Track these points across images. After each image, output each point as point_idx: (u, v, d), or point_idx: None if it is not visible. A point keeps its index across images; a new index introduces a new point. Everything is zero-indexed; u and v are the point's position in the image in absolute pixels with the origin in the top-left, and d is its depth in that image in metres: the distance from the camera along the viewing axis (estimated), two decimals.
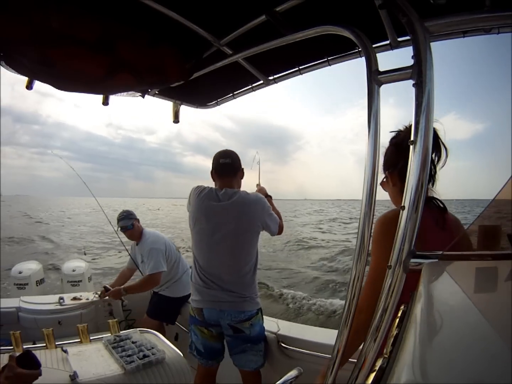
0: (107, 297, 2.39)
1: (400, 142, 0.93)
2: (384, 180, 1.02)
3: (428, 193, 0.94)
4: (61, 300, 2.31)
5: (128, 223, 2.40)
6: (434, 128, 0.87)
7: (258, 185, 1.94)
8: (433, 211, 0.92)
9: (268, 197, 1.78)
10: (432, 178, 0.93)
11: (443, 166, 0.92)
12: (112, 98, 1.53)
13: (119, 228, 2.43)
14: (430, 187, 0.94)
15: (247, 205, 1.58)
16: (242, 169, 1.69)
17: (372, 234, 0.79)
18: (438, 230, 0.89)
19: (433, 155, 0.89)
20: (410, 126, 0.94)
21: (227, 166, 1.62)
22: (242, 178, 1.71)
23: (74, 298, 2.39)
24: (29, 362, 0.97)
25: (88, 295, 2.43)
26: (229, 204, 1.56)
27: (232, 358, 1.63)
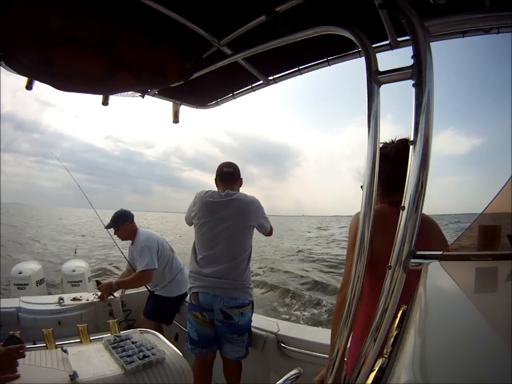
0: (108, 298, 2.39)
1: (387, 154, 1.03)
2: None
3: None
4: (61, 300, 2.30)
5: (113, 225, 2.44)
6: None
7: None
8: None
9: None
10: None
11: None
12: (112, 98, 1.53)
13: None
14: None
15: (245, 203, 1.80)
16: (241, 178, 1.92)
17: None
18: None
19: None
20: (397, 140, 1.06)
21: (229, 174, 1.87)
22: (241, 186, 1.92)
23: (74, 299, 2.37)
24: (15, 343, 1.11)
25: (88, 296, 2.41)
26: (230, 201, 1.78)
27: (219, 344, 1.77)
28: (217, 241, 1.75)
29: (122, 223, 2.45)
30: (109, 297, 2.40)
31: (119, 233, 2.49)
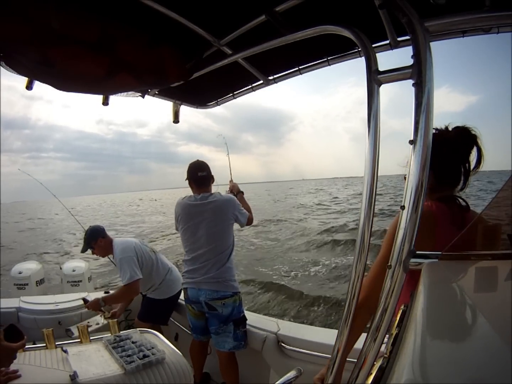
0: (116, 316, 2.26)
1: (446, 140, 0.93)
2: None
3: (452, 194, 0.97)
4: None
5: (88, 247, 2.32)
6: (475, 135, 0.92)
7: (231, 181, 2.29)
8: (452, 209, 0.93)
9: (240, 192, 2.16)
10: (464, 183, 0.96)
11: (476, 172, 0.95)
12: (112, 98, 1.53)
13: None
14: (457, 189, 0.97)
15: (221, 203, 1.94)
16: (213, 176, 2.06)
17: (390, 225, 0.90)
18: (452, 227, 0.90)
19: (472, 162, 0.93)
20: (455, 127, 0.94)
21: (204, 178, 1.99)
22: (213, 183, 2.06)
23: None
24: (15, 335, 1.09)
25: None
26: (207, 204, 1.93)
27: (211, 337, 1.93)
28: (200, 243, 1.91)
29: (95, 242, 2.31)
30: (116, 318, 2.24)
31: (97, 252, 2.36)
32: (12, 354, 1.05)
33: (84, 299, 2.32)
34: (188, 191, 2.08)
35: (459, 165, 0.94)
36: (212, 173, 2.06)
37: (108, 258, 2.50)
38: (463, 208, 0.95)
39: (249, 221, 2.06)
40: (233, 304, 1.85)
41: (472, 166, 0.94)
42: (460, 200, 0.96)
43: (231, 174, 2.33)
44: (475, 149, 0.92)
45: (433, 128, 0.98)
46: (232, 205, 1.95)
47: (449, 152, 0.92)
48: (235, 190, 2.16)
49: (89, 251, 2.36)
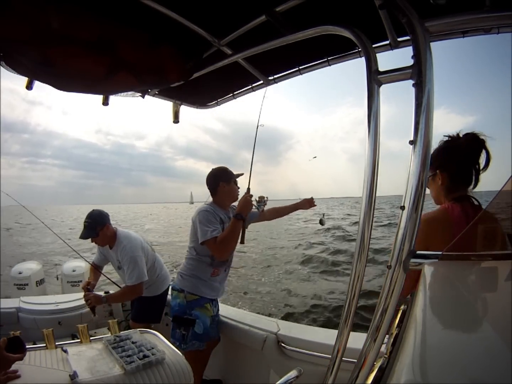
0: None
1: (458, 146, 1.03)
2: (430, 178, 1.11)
3: (466, 193, 1.06)
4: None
5: (93, 234, 2.09)
6: (483, 140, 1.01)
7: (245, 193, 1.92)
8: (466, 210, 1.01)
9: (238, 216, 1.76)
10: (476, 181, 1.05)
11: (484, 172, 1.04)
12: (112, 98, 1.53)
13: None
14: (470, 188, 1.06)
15: (196, 212, 1.91)
16: (222, 183, 1.89)
17: None
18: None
19: (481, 162, 1.02)
20: (466, 134, 1.03)
21: (209, 189, 1.95)
22: (224, 191, 1.90)
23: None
24: (17, 347, 1.09)
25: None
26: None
27: None
28: None
29: (102, 228, 2.10)
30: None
31: (99, 240, 2.15)
32: (9, 364, 1.05)
33: (88, 289, 2.18)
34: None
35: (470, 167, 1.04)
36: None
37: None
38: (476, 207, 1.02)
39: (215, 249, 1.75)
40: (175, 299, 1.85)
41: (481, 167, 1.02)
42: (473, 200, 1.04)
43: (249, 186, 1.93)
44: (483, 152, 1.01)
45: (445, 136, 1.06)
46: (196, 216, 1.84)
47: (461, 156, 1.02)
48: (237, 208, 1.80)
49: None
